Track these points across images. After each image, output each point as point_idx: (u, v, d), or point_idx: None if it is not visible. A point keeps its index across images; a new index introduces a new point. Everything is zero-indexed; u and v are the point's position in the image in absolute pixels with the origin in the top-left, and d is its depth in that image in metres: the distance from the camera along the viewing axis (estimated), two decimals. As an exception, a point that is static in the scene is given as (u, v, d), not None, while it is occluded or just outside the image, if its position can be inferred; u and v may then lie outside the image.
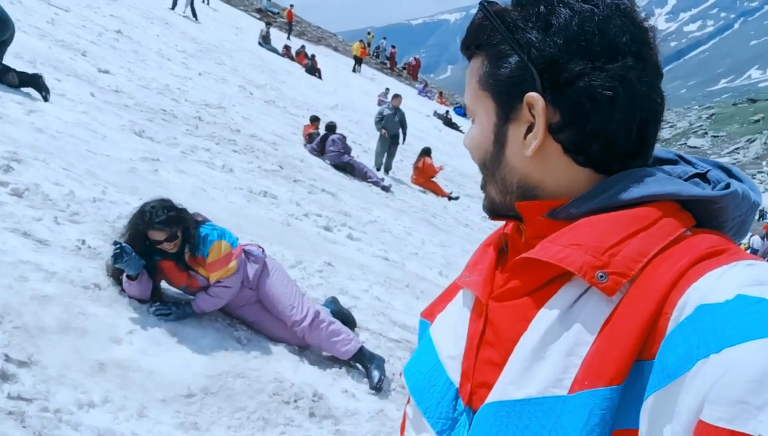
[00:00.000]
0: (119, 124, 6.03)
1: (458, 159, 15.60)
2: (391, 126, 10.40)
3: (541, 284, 0.67)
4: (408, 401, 0.84)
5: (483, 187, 0.76)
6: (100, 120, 5.82)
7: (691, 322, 0.52)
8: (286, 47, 22.63)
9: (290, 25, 28.32)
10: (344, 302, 4.02)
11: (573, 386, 0.58)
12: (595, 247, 0.61)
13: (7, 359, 2.09)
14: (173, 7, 18.21)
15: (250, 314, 3.31)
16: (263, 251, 3.49)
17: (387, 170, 10.59)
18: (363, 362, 3.29)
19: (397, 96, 10.90)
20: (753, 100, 65.16)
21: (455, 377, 0.73)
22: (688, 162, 0.72)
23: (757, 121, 57.12)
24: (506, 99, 0.68)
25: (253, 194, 5.88)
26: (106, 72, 7.92)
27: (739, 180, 0.68)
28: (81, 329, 2.53)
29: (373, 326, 3.97)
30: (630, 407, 0.55)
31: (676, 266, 0.57)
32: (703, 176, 0.69)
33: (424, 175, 11.05)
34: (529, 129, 0.67)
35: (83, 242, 3.23)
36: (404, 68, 36.01)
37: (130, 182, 4.52)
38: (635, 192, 0.64)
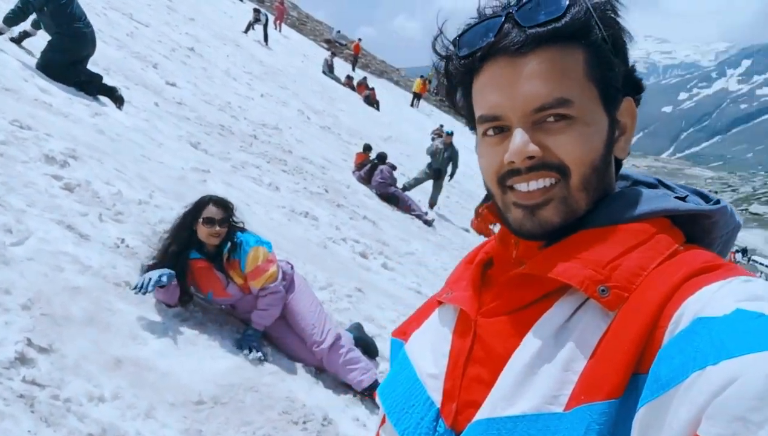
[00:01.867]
0: (177, 134, 6.28)
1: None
2: (440, 161, 10.42)
3: (534, 299, 0.65)
4: (382, 422, 0.80)
5: (554, 201, 0.65)
6: (159, 128, 6.08)
7: (688, 334, 0.51)
8: (349, 77, 23.19)
9: (356, 58, 29.06)
10: (369, 330, 3.98)
11: (569, 403, 0.56)
12: (595, 261, 0.61)
13: (29, 343, 2.16)
14: (246, 31, 19.01)
15: (272, 328, 3.32)
16: (292, 267, 3.52)
17: (432, 205, 10.57)
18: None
19: (449, 133, 10.91)
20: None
21: (436, 396, 0.70)
22: (668, 187, 0.73)
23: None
24: (614, 99, 0.67)
25: (295, 214, 5.96)
26: (173, 84, 8.30)
27: (718, 202, 0.70)
28: (105, 323, 2.60)
29: (395, 358, 3.90)
30: (627, 422, 0.53)
31: (672, 280, 0.56)
32: (682, 200, 0.70)
33: (487, 220, 10.95)
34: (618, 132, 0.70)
35: (122, 240, 3.33)
36: (463, 107, 36.16)
37: (177, 189, 4.67)
38: (632, 210, 0.65)
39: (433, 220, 9.47)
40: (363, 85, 22.65)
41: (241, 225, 3.26)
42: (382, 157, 9.75)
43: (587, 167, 0.65)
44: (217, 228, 3.04)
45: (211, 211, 3.04)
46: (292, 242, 5.12)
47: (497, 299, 0.69)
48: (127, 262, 3.18)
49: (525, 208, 0.67)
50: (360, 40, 29.95)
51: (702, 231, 0.67)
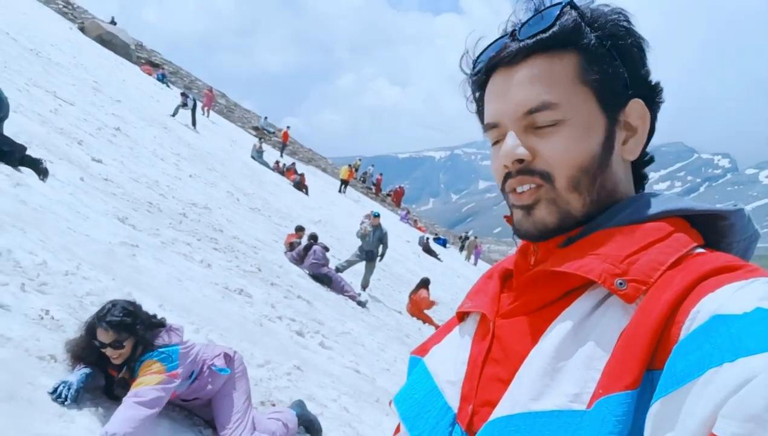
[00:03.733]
0: (104, 208, 6.02)
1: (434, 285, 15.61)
2: (370, 243, 10.50)
3: (552, 298, 0.65)
4: (397, 430, 0.79)
5: (542, 202, 0.68)
6: (85, 202, 5.80)
7: (705, 331, 0.50)
8: (277, 162, 23.39)
9: (284, 145, 29.46)
10: (311, 408, 3.80)
11: (591, 400, 0.55)
12: (613, 256, 0.61)
13: (-60, 418, 1.90)
14: (174, 114, 18.96)
15: (203, 414, 3.08)
16: (230, 359, 3.10)
17: (364, 287, 10.52)
18: None
19: (376, 215, 11.03)
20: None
21: (453, 402, 0.69)
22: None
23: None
24: (615, 101, 0.67)
25: (229, 291, 5.75)
26: (99, 161, 8.04)
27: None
28: (27, 398, 2.34)
29: (339, 437, 3.72)
30: (642, 418, 0.52)
31: (691, 276, 0.56)
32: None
33: (418, 306, 11.00)
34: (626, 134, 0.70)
35: (47, 312, 3.07)
36: (389, 195, 37.16)
37: (106, 262, 4.41)
38: (650, 210, 0.66)
39: (366, 301, 9.38)
40: (292, 170, 22.86)
41: (160, 343, 2.76)
42: (314, 237, 9.72)
43: (575, 169, 0.66)
44: (109, 351, 2.64)
45: (101, 334, 2.62)
46: (227, 319, 4.90)
47: (516, 300, 0.69)
48: (52, 335, 2.92)
49: (521, 209, 0.69)
50: (288, 127, 30.51)
51: (719, 235, 0.67)
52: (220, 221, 9.12)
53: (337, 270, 10.01)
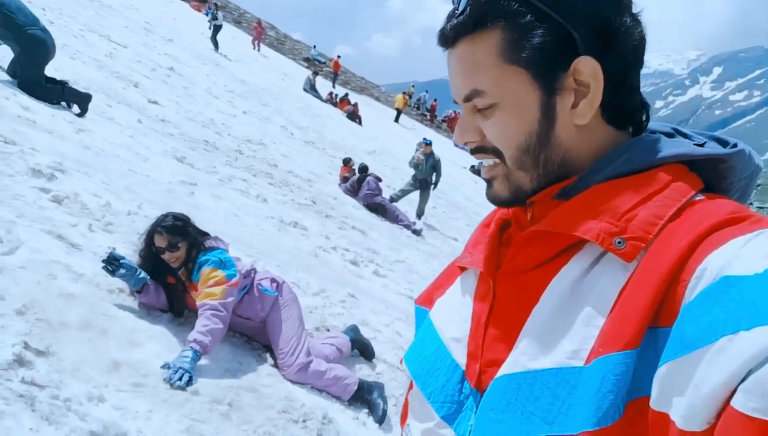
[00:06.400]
0: (162, 149, 6.26)
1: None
2: (423, 171, 10.48)
3: (550, 256, 0.65)
4: (410, 387, 0.81)
5: (498, 178, 0.70)
6: (144, 144, 6.05)
7: (714, 293, 0.48)
8: (330, 93, 23.31)
9: (335, 75, 29.23)
10: (365, 332, 3.97)
11: (589, 357, 0.56)
12: (611, 212, 0.60)
13: (26, 346, 2.13)
14: (216, 47, 18.80)
15: (261, 339, 3.29)
16: (278, 285, 3.33)
17: (419, 215, 10.61)
18: (363, 398, 3.18)
19: (427, 143, 10.90)
20: (801, 172, 63.41)
21: (461, 359, 0.71)
22: (684, 135, 0.70)
23: (804, 193, 55.58)
24: (549, 69, 0.63)
25: (284, 224, 5.96)
26: (155, 103, 8.28)
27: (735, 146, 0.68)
28: (101, 328, 2.57)
29: (391, 359, 3.90)
30: (644, 375, 0.52)
31: (694, 231, 0.54)
32: (700, 147, 0.68)
33: None
34: (576, 97, 0.64)
35: (114, 249, 3.30)
36: (444, 121, 36.51)
37: (166, 201, 4.65)
38: (646, 157, 0.64)
39: (421, 229, 9.49)
40: (345, 101, 22.77)
41: (208, 245, 3.08)
42: (363, 169, 9.79)
43: (515, 150, 0.66)
44: (168, 255, 2.99)
45: (157, 240, 2.98)
46: (284, 251, 5.11)
47: (514, 258, 0.69)
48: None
49: (485, 181, 0.72)
50: (339, 57, 30.13)
51: (719, 177, 0.65)
52: (275, 156, 9.31)
53: (392, 200, 10.11)
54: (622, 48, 0.63)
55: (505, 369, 0.62)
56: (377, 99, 34.03)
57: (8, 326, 2.19)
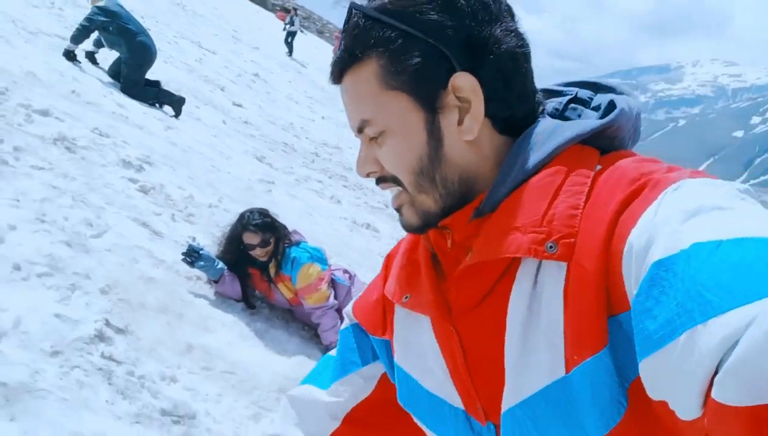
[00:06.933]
0: (243, 149, 6.47)
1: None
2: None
3: (493, 283, 0.63)
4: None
5: (404, 205, 0.69)
6: (227, 143, 6.28)
7: (654, 282, 0.46)
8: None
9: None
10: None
11: (567, 365, 0.56)
12: (530, 222, 0.59)
13: (107, 323, 2.21)
14: (290, 52, 19.19)
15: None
16: (350, 276, 3.41)
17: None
18: None
19: None
20: None
21: (456, 402, 0.71)
22: (557, 93, 0.72)
23: None
24: (428, 90, 0.63)
25: (357, 225, 5.98)
26: (239, 105, 8.60)
27: (611, 90, 0.69)
28: (178, 312, 2.64)
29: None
30: (629, 358, 0.52)
31: (607, 213, 0.54)
32: (576, 100, 0.70)
33: None
34: (460, 113, 0.64)
35: (194, 239, 3.41)
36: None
37: (245, 197, 4.78)
38: (541, 153, 0.62)
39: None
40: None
41: (294, 238, 3.23)
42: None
43: (410, 175, 0.65)
44: (258, 251, 3.08)
45: (249, 237, 3.06)
46: (355, 252, 5.12)
47: (459, 296, 0.67)
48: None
49: (395, 210, 0.71)
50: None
51: (611, 138, 0.65)
52: (350, 161, 9.40)
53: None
54: (496, 59, 0.62)
55: (506, 404, 0.63)
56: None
57: (92, 303, 2.29)
